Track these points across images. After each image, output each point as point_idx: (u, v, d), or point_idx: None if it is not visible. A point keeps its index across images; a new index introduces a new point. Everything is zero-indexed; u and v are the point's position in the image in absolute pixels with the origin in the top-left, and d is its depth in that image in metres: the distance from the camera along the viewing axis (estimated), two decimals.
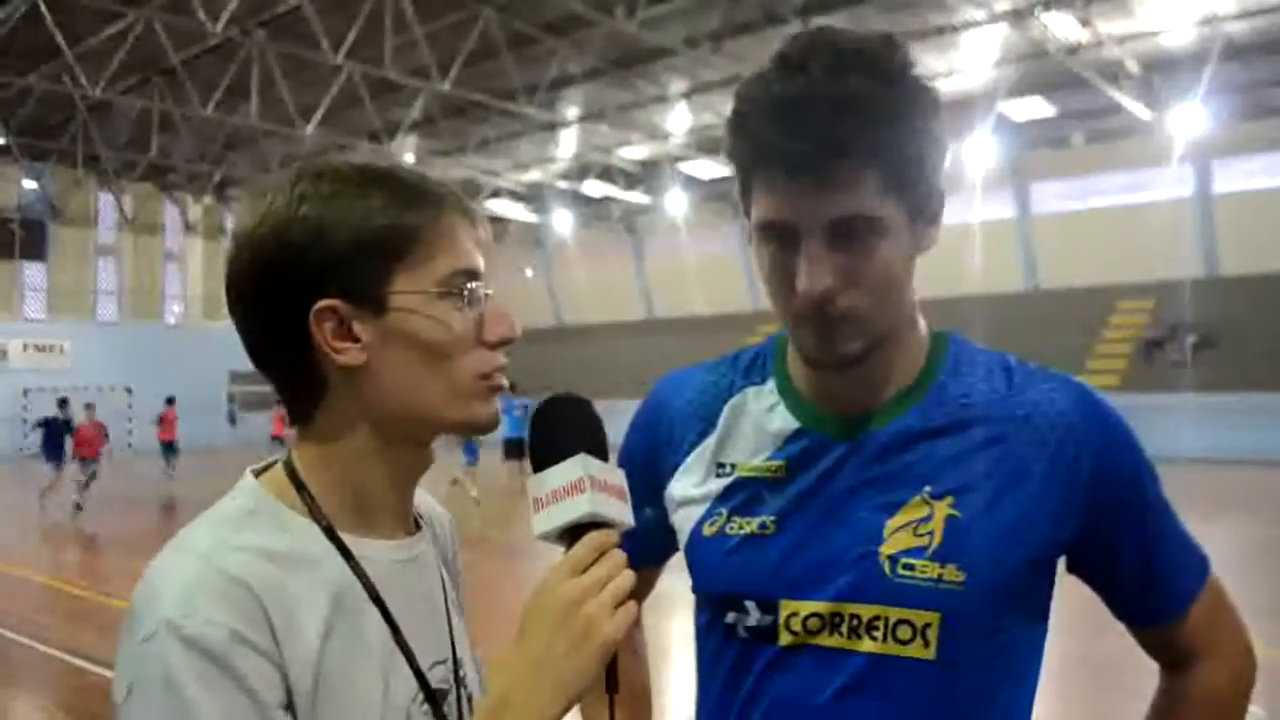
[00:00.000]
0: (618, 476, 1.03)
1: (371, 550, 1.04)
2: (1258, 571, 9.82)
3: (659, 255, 37.45)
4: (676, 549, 1.36)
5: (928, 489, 1.17)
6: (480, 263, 1.07)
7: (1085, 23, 19.69)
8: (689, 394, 1.36)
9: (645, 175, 32.30)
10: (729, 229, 34.41)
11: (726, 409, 1.31)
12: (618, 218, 36.99)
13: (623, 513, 1.01)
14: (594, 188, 32.48)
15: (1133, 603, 1.27)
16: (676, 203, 32.61)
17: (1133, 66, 22.27)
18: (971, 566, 1.14)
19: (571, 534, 0.99)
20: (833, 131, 1.07)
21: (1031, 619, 1.21)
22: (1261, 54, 21.86)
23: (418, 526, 1.15)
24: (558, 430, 1.03)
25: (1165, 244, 26.52)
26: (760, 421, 1.28)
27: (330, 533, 1.02)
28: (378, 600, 1.02)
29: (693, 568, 1.30)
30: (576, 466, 1.00)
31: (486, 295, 1.07)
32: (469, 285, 1.05)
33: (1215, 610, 1.28)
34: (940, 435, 1.20)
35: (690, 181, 32.13)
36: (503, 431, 17.29)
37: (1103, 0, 19.22)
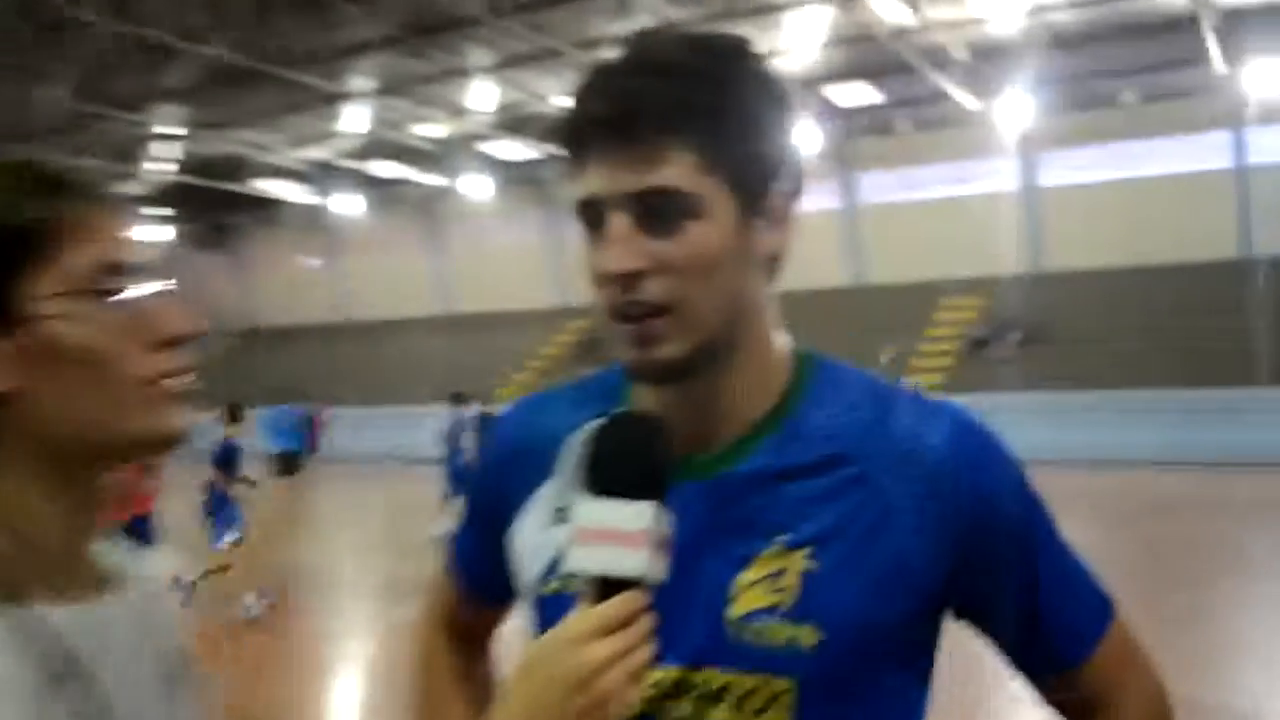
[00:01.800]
0: (669, 529, 1.02)
1: (63, 615, 0.96)
2: None
3: (460, 244, 37.07)
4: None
5: (783, 538, 1.15)
6: (130, 255, 1.01)
7: (914, 7, 20.48)
8: (537, 425, 1.33)
9: (444, 156, 31.86)
10: (536, 216, 34.38)
11: (570, 444, 1.26)
12: (413, 202, 36.40)
13: (663, 572, 1.01)
14: (385, 168, 31.91)
15: (1027, 651, 1.24)
16: (479, 187, 32.43)
17: (961, 54, 23.30)
18: (829, 626, 1.12)
19: (605, 582, 0.98)
20: (640, 93, 1.09)
21: (907, 675, 1.20)
22: (1089, 45, 23.12)
23: (109, 584, 1.05)
24: (634, 458, 1.02)
25: (992, 238, 27.91)
26: None
27: (10, 599, 0.93)
28: (76, 674, 0.94)
29: (534, 628, 1.26)
30: (647, 515, 0.98)
31: (156, 291, 1.02)
32: (117, 280, 0.99)
33: (1122, 654, 1.26)
34: (799, 475, 1.17)
35: (494, 164, 31.97)
36: (273, 445, 16.77)
37: None
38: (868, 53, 22.83)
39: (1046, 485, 1.31)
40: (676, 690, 1.15)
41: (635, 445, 1.03)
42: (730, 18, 20.04)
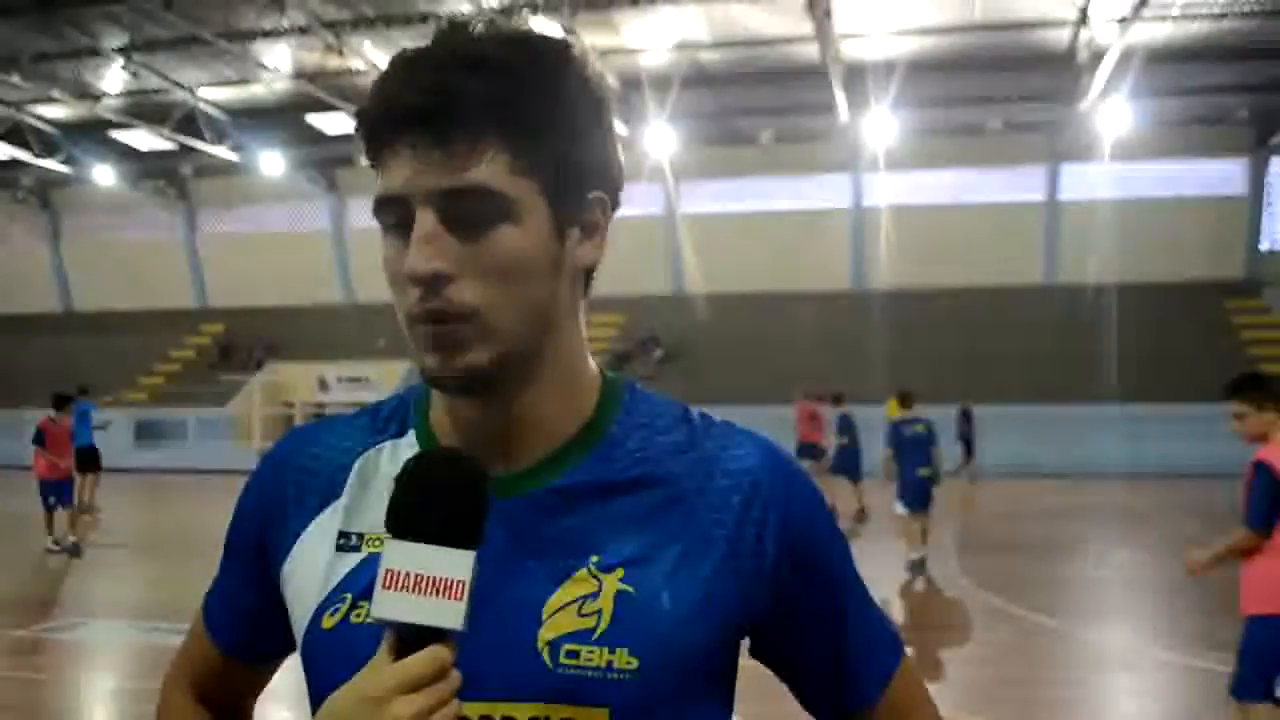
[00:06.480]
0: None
1: None
2: None
3: (82, 236, 35.40)
4: (294, 645, 1.23)
5: (595, 559, 1.10)
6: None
7: (570, 32, 20.96)
8: (316, 451, 1.25)
9: (68, 141, 29.85)
10: (172, 211, 33.26)
11: (356, 468, 1.21)
12: (28, 188, 34.18)
13: (468, 623, 0.94)
14: None
15: (824, 687, 1.23)
16: (106, 176, 30.91)
17: (612, 81, 24.14)
18: (645, 652, 1.06)
19: (407, 630, 0.93)
20: (456, 87, 1.04)
21: (716, 705, 1.16)
22: (732, 85, 24.76)
23: None
24: (454, 501, 0.96)
25: (638, 259, 29.06)
26: None
27: None
28: None
29: (310, 668, 1.16)
30: (468, 566, 0.93)
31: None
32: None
33: (911, 692, 1.26)
34: (611, 495, 1.13)
35: (126, 153, 30.49)
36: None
37: (588, 10, 20.58)
38: None
39: None
40: None
41: (454, 487, 0.97)
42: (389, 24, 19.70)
